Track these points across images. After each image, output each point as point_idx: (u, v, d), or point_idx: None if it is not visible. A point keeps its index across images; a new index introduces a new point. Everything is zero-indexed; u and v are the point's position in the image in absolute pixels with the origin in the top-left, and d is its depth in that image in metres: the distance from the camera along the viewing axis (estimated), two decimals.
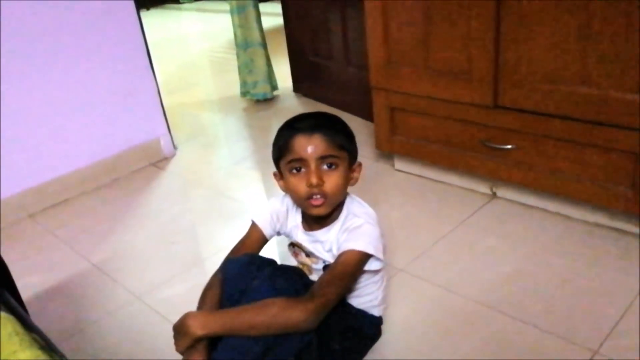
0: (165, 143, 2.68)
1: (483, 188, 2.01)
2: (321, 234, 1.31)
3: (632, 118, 1.48)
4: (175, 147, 2.75)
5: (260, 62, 3.18)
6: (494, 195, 1.98)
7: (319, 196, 1.21)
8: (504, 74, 1.70)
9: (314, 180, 1.19)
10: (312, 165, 1.20)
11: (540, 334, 1.36)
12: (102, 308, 1.67)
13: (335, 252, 1.26)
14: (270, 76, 3.25)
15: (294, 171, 1.22)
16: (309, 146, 1.19)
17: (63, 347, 1.26)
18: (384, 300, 1.40)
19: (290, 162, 1.22)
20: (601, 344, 1.30)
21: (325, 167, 1.21)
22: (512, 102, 1.71)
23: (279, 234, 1.41)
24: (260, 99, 3.29)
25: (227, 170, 2.55)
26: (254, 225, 1.38)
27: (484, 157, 1.87)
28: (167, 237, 2.01)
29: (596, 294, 1.47)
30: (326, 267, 1.31)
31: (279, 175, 1.30)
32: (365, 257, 1.22)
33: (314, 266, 1.35)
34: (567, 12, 1.50)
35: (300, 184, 1.22)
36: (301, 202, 1.26)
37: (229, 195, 2.27)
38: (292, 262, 1.45)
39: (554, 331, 1.36)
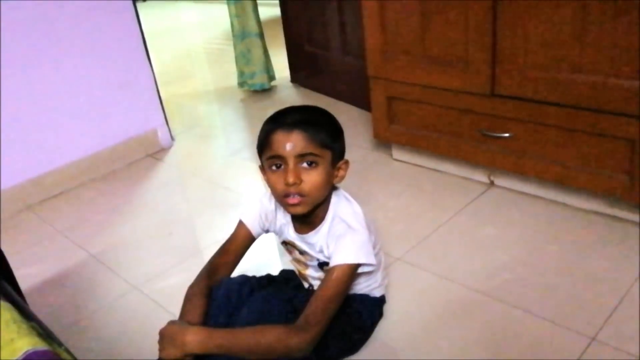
0: (162, 134, 2.67)
1: (481, 176, 2.01)
2: (310, 236, 1.28)
3: (630, 105, 1.48)
4: (172, 138, 2.75)
5: (258, 52, 3.17)
6: (492, 183, 1.98)
7: (296, 195, 1.17)
8: (501, 61, 1.69)
9: (290, 179, 1.15)
10: (290, 164, 1.15)
11: (538, 321, 1.37)
12: (101, 298, 1.68)
13: (327, 254, 1.25)
14: (267, 66, 3.24)
15: (274, 167, 1.19)
16: (288, 143, 1.15)
17: (62, 336, 1.26)
18: (384, 279, 1.40)
19: (269, 158, 1.19)
20: (599, 331, 1.31)
21: (305, 164, 1.17)
22: (509, 90, 1.71)
23: (267, 231, 1.39)
24: (257, 90, 3.28)
25: (224, 161, 2.55)
26: (241, 224, 1.37)
27: (481, 145, 1.86)
28: (165, 227, 2.01)
29: (594, 281, 1.48)
30: (321, 265, 1.30)
31: (264, 169, 1.26)
32: (356, 267, 1.21)
33: (309, 262, 1.34)
34: None
35: (278, 182, 1.18)
36: (279, 199, 1.23)
37: (226, 186, 2.27)
38: (287, 257, 1.46)
39: (551, 318, 1.36)
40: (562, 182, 1.73)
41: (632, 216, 1.67)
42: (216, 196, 2.21)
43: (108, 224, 2.08)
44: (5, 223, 2.15)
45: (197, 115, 3.17)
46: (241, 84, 3.30)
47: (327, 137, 1.19)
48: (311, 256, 1.31)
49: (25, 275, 1.77)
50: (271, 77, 3.29)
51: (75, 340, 1.49)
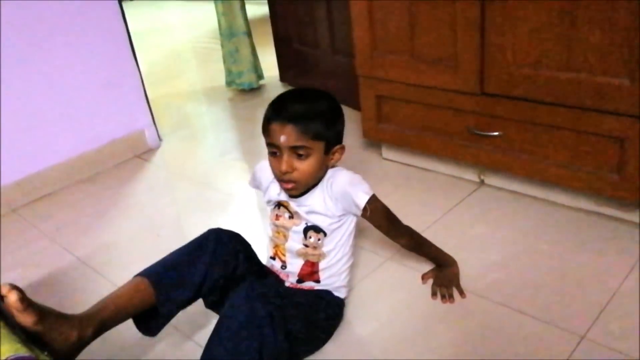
0: (149, 135, 2.65)
1: (471, 175, 2.00)
2: (304, 199, 1.37)
3: (619, 103, 1.48)
4: (160, 139, 2.72)
5: (246, 51, 3.15)
6: (482, 182, 1.98)
7: (289, 182, 1.30)
8: (490, 60, 1.69)
9: (283, 167, 1.27)
10: (284, 154, 1.27)
11: (528, 319, 1.36)
12: (87, 301, 1.64)
13: (326, 207, 1.35)
14: (255, 65, 3.22)
15: (272, 153, 1.31)
16: (282, 135, 1.25)
17: None
18: (350, 280, 1.48)
19: (268, 144, 1.31)
20: (588, 329, 1.31)
21: (297, 155, 1.27)
22: (498, 89, 1.71)
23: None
24: (246, 89, 3.27)
25: (212, 161, 2.53)
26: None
27: (471, 144, 1.86)
28: (152, 229, 1.99)
29: (583, 279, 1.48)
30: (306, 229, 1.38)
31: None
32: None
33: (295, 228, 1.40)
34: None
35: (275, 166, 1.31)
36: (277, 180, 1.36)
37: (214, 186, 2.25)
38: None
39: (541, 317, 1.36)
40: (552, 181, 1.73)
41: (621, 214, 1.68)
42: (204, 197, 2.19)
43: (95, 226, 2.06)
44: None
45: (185, 116, 3.15)
46: (229, 83, 3.28)
47: (320, 128, 1.28)
48: (300, 218, 1.38)
49: (11, 279, 1.74)
50: (259, 76, 3.27)
51: None
